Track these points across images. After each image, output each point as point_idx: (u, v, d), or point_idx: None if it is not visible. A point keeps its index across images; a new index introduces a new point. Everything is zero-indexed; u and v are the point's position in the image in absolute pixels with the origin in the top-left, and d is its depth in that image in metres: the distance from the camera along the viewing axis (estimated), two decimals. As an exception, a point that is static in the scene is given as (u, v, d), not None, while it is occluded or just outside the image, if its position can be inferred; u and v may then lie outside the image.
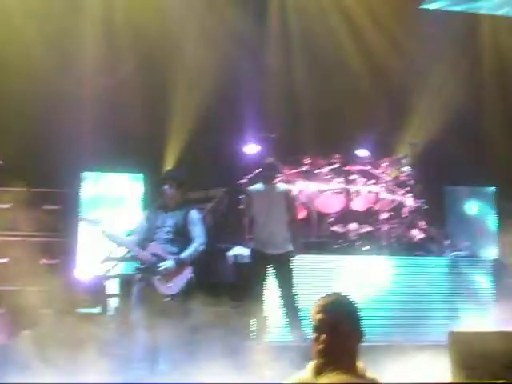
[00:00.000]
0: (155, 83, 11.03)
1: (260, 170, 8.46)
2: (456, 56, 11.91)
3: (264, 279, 7.71)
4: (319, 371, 2.64)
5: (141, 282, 6.81)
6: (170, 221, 6.88)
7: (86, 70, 10.83)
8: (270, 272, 7.73)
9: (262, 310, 7.76)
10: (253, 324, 7.98)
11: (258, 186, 8.01)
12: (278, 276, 7.70)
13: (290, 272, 7.68)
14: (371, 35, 12.08)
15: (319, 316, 2.74)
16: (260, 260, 7.74)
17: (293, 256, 7.71)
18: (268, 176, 7.95)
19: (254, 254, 7.85)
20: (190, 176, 9.13)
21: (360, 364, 2.76)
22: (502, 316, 7.95)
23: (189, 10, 11.38)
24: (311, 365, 2.75)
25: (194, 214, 6.97)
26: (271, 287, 7.74)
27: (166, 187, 6.95)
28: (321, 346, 2.69)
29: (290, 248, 7.67)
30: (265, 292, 7.73)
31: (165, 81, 11.14)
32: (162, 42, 11.08)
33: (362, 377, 2.71)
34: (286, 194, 7.88)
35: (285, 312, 7.65)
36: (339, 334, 2.70)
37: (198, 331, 7.16)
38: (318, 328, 2.75)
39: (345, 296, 2.96)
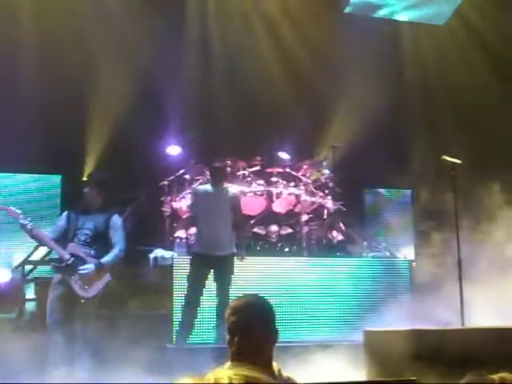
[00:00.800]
0: (74, 83, 10.85)
1: (209, 172, 8.51)
2: (377, 61, 12.17)
3: (204, 283, 7.68)
4: None
5: (58, 286, 6.71)
6: (90, 223, 6.80)
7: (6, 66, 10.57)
8: (210, 273, 7.70)
9: (194, 314, 7.68)
10: (176, 327, 7.94)
11: (206, 187, 8.02)
12: (219, 277, 7.68)
13: (230, 274, 7.70)
14: (292, 39, 12.23)
15: (232, 318, 2.76)
16: (202, 263, 7.68)
17: (241, 258, 7.74)
18: (215, 178, 7.97)
19: (197, 256, 7.76)
20: (110, 177, 9.05)
21: (275, 364, 2.80)
22: (415, 314, 8.18)
23: (104, 12, 11.25)
24: (226, 366, 2.77)
25: (116, 220, 6.93)
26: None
27: (86, 190, 6.88)
28: (234, 348, 2.72)
29: (234, 250, 7.71)
30: (201, 295, 7.69)
31: (84, 81, 10.99)
32: (80, 43, 10.93)
33: (277, 376, 2.74)
34: (234, 197, 7.93)
35: (217, 312, 7.58)
36: (252, 336, 2.71)
37: (115, 335, 7.10)
38: (231, 330, 2.76)
39: (258, 297, 2.98)
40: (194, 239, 8.02)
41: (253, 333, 2.72)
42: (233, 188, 8.32)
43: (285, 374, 2.81)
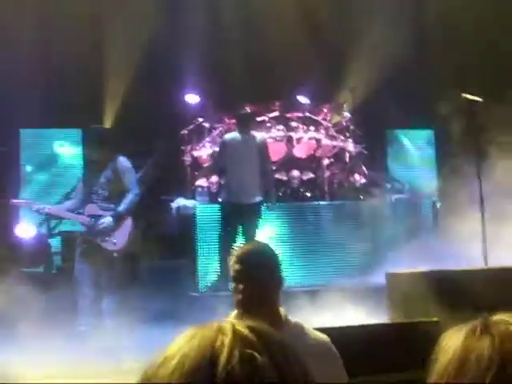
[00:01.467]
0: (91, 36, 10.78)
1: (235, 120, 8.50)
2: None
3: (236, 230, 7.76)
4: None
5: (83, 243, 6.80)
6: (101, 179, 6.83)
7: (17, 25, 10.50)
8: (239, 221, 7.77)
9: (225, 261, 7.73)
10: (201, 276, 8.03)
11: (234, 135, 7.98)
12: (247, 224, 7.75)
13: (257, 222, 7.76)
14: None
15: (236, 266, 2.75)
16: (232, 211, 7.76)
17: (269, 205, 7.75)
18: (243, 126, 7.92)
19: (226, 205, 7.84)
20: (130, 128, 9.05)
21: (281, 310, 2.78)
22: (439, 255, 8.16)
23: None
24: (232, 314, 2.78)
25: (124, 162, 6.90)
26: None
27: (89, 149, 6.96)
28: (239, 296, 2.72)
29: (261, 198, 7.73)
30: (235, 242, 7.67)
31: (101, 34, 10.91)
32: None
33: (285, 322, 2.74)
34: (262, 144, 7.89)
35: None
36: (256, 284, 2.71)
37: (143, 285, 7.20)
38: (236, 278, 2.75)
39: (261, 244, 3.00)
40: (223, 188, 8.03)
41: (256, 280, 2.71)
42: (260, 135, 8.23)
43: (292, 319, 2.80)
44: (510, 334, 1.12)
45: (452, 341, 1.16)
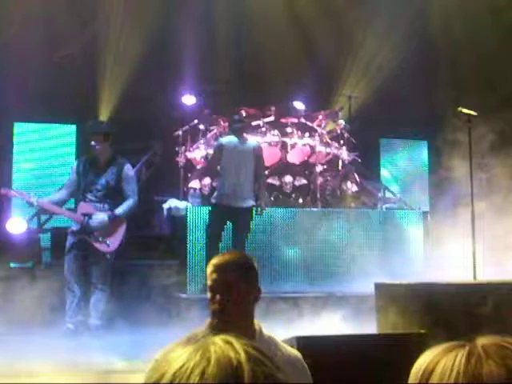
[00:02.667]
0: (90, 30, 10.78)
1: (229, 123, 8.57)
2: (396, 8, 11.82)
3: (221, 234, 7.83)
4: (214, 331, 2.62)
5: (75, 245, 6.75)
6: (101, 179, 6.79)
7: (15, 16, 10.48)
8: (227, 223, 7.84)
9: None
10: (190, 278, 8.05)
11: (231, 138, 8.03)
12: (237, 229, 7.80)
13: (247, 226, 7.79)
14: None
15: (214, 276, 2.67)
16: (222, 214, 7.80)
17: (261, 210, 7.79)
18: (237, 131, 8.00)
19: (218, 208, 7.85)
20: (124, 126, 9.05)
21: (256, 323, 2.73)
22: (428, 266, 8.21)
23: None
24: (207, 323, 2.75)
25: (128, 171, 6.89)
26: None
27: (93, 143, 6.84)
28: (215, 306, 2.65)
29: (253, 202, 7.76)
30: (220, 246, 7.81)
31: (98, 31, 10.90)
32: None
33: (259, 335, 2.71)
34: (258, 149, 7.95)
35: None
36: (234, 295, 2.65)
37: (132, 285, 7.20)
38: (213, 288, 2.68)
39: (240, 254, 2.93)
40: (216, 190, 8.06)
41: (235, 292, 2.65)
42: (255, 140, 8.27)
43: (266, 332, 2.77)
44: (478, 355, 1.14)
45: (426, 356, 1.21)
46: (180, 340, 2.65)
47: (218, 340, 1.05)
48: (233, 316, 2.64)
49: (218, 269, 2.69)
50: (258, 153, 7.94)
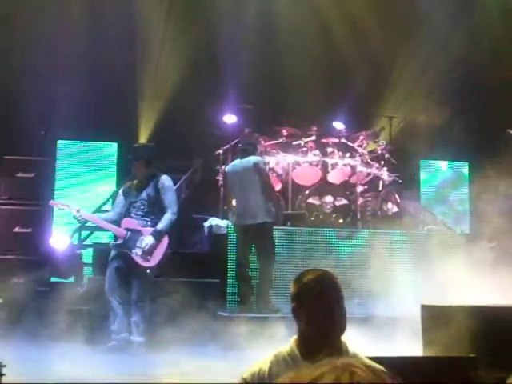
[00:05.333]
0: (133, 50, 10.90)
1: (239, 144, 8.73)
2: (444, 28, 11.65)
3: (247, 251, 7.96)
4: (309, 353, 2.57)
5: (116, 259, 6.81)
6: (142, 194, 6.89)
7: (60, 35, 10.65)
8: (248, 241, 7.95)
9: (245, 283, 7.87)
10: (230, 296, 8.06)
11: (233, 163, 8.27)
12: (257, 246, 7.89)
13: (267, 242, 7.80)
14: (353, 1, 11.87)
15: (314, 294, 2.62)
16: (241, 233, 7.99)
17: (271, 226, 7.82)
18: (244, 151, 8.13)
19: (235, 227, 8.16)
20: (165, 144, 9.12)
21: (343, 340, 2.67)
22: (472, 290, 8.05)
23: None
24: (292, 340, 2.69)
25: (166, 181, 6.98)
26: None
27: (134, 166, 6.98)
28: (311, 327, 2.60)
29: (268, 219, 7.77)
30: (248, 264, 7.94)
31: (143, 47, 11.03)
32: (134, 6, 10.96)
33: (345, 352, 2.65)
34: (256, 165, 7.96)
35: (258, 282, 7.76)
36: (335, 315, 2.61)
37: (173, 302, 7.19)
38: (313, 308, 2.61)
39: (324, 271, 2.85)
40: (233, 212, 8.43)
41: (336, 312, 2.61)
42: (255, 158, 8.27)
43: (351, 349, 2.71)
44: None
45: None
46: (266, 358, 2.62)
47: (355, 363, 1.01)
48: (332, 337, 2.60)
49: (319, 290, 2.63)
50: (258, 168, 7.96)
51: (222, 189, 9.83)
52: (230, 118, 10.37)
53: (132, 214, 6.86)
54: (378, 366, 2.68)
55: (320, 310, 2.60)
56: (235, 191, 8.20)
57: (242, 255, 7.97)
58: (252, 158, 8.13)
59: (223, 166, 9.95)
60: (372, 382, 0.99)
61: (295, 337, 2.66)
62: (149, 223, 6.81)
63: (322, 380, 0.99)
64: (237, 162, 8.21)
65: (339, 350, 2.60)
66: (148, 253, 6.70)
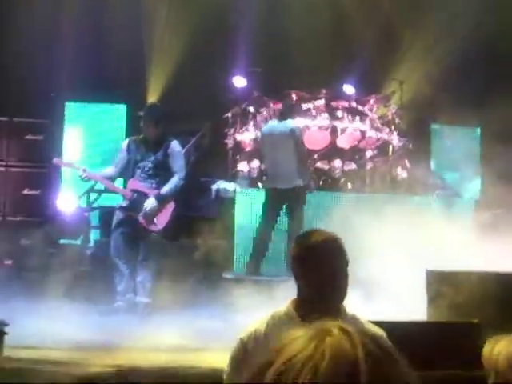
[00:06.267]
0: (142, 10, 10.80)
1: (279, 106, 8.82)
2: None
3: (274, 215, 7.94)
4: (307, 314, 2.53)
5: (122, 223, 6.79)
6: (150, 155, 6.84)
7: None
8: (278, 205, 7.96)
9: (260, 252, 7.85)
10: (236, 259, 8.07)
11: (269, 124, 8.31)
12: (288, 209, 7.91)
13: (297, 205, 7.82)
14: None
15: (309, 255, 2.59)
16: (270, 196, 7.95)
17: (304, 190, 7.84)
18: (283, 114, 8.16)
19: (266, 190, 8.15)
20: (167, 111, 9.07)
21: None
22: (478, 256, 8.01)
23: None
24: (289, 302, 2.68)
25: (175, 147, 6.93)
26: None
27: (144, 125, 6.91)
28: (308, 288, 2.57)
29: (300, 182, 7.76)
30: (271, 233, 7.89)
31: (151, 10, 10.91)
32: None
33: (343, 315, 2.63)
34: (292, 131, 7.96)
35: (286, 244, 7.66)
36: (331, 275, 2.56)
37: (179, 264, 7.20)
38: (308, 268, 2.59)
39: (331, 233, 2.72)
40: (264, 174, 8.54)
41: (334, 272, 2.56)
42: (295, 122, 8.24)
43: (349, 311, 2.69)
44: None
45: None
46: (263, 318, 2.61)
47: (335, 329, 0.98)
48: (327, 299, 2.58)
49: (314, 248, 2.60)
50: (294, 134, 7.93)
51: (230, 152, 9.78)
52: (238, 81, 10.27)
53: (137, 175, 6.82)
54: (376, 329, 2.67)
55: (324, 276, 2.57)
56: (268, 153, 8.22)
57: (266, 222, 7.87)
58: (289, 123, 8.10)
59: (231, 130, 9.90)
60: (343, 347, 0.95)
61: (294, 298, 2.65)
62: (153, 185, 6.78)
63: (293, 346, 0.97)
64: (273, 123, 8.19)
65: (337, 311, 2.58)
66: (150, 215, 6.67)
